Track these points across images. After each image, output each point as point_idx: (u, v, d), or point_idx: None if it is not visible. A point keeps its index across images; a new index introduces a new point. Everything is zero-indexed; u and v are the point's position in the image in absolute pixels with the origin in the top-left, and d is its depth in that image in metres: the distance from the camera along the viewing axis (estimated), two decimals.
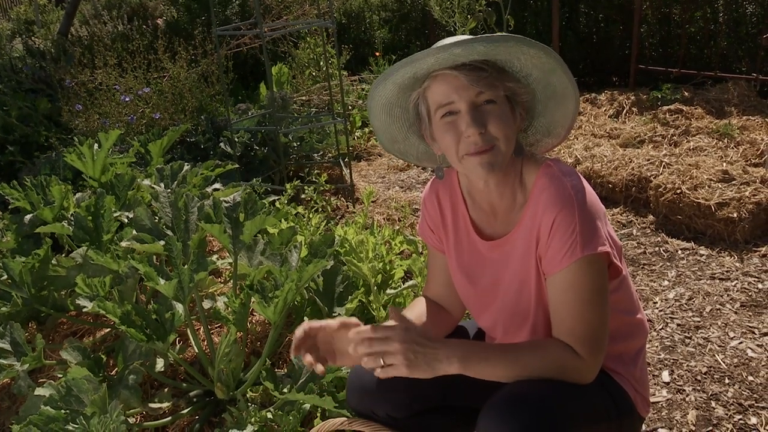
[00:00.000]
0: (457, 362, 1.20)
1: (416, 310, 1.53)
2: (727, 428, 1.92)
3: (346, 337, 1.27)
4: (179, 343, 2.43)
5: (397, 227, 3.21)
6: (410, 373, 1.18)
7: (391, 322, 1.25)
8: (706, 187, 3.20)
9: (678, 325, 2.47)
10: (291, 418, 1.75)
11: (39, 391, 1.81)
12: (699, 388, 2.11)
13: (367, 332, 1.21)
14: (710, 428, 1.93)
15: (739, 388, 2.09)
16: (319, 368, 1.31)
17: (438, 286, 1.57)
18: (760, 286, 2.67)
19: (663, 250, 3.07)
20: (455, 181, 1.46)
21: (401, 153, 1.47)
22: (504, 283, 1.39)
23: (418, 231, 1.60)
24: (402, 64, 1.22)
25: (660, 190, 3.34)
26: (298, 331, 1.35)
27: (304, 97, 5.38)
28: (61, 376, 1.87)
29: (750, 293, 2.63)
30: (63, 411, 1.64)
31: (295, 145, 4.40)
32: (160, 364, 2.13)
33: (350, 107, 5.41)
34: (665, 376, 2.18)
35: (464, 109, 1.23)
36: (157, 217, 2.43)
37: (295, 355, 1.35)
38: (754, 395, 2.05)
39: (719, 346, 2.31)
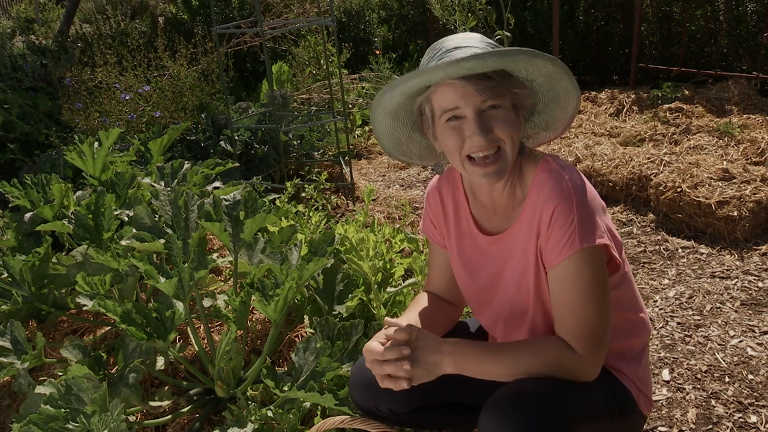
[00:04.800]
0: (452, 365, 1.25)
1: (418, 308, 1.54)
2: (727, 427, 1.92)
3: None
4: (179, 341, 2.43)
5: (398, 225, 3.22)
6: (413, 383, 1.26)
7: (389, 330, 1.29)
8: (707, 186, 3.20)
9: (678, 323, 2.47)
10: (291, 416, 1.75)
11: (39, 389, 1.81)
12: (699, 386, 2.11)
13: (378, 354, 1.28)
14: (710, 427, 1.93)
15: (739, 386, 2.09)
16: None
17: (440, 280, 1.59)
18: (760, 284, 2.67)
19: (663, 249, 3.07)
20: (458, 177, 1.48)
21: (404, 154, 1.49)
22: (504, 278, 1.40)
23: (421, 226, 1.61)
24: (411, 76, 1.22)
25: (660, 188, 3.34)
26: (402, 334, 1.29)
27: (304, 96, 5.38)
28: (62, 374, 1.87)
29: (750, 292, 2.63)
30: (63, 409, 1.64)
31: (295, 143, 4.39)
32: (160, 362, 2.13)
33: (350, 105, 5.40)
34: (665, 374, 2.18)
35: (470, 116, 1.24)
36: (157, 216, 2.42)
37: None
38: (754, 393, 2.05)
39: (719, 345, 2.31)
